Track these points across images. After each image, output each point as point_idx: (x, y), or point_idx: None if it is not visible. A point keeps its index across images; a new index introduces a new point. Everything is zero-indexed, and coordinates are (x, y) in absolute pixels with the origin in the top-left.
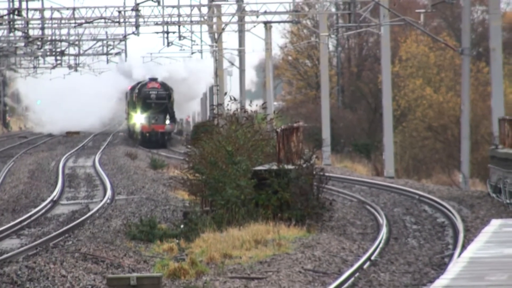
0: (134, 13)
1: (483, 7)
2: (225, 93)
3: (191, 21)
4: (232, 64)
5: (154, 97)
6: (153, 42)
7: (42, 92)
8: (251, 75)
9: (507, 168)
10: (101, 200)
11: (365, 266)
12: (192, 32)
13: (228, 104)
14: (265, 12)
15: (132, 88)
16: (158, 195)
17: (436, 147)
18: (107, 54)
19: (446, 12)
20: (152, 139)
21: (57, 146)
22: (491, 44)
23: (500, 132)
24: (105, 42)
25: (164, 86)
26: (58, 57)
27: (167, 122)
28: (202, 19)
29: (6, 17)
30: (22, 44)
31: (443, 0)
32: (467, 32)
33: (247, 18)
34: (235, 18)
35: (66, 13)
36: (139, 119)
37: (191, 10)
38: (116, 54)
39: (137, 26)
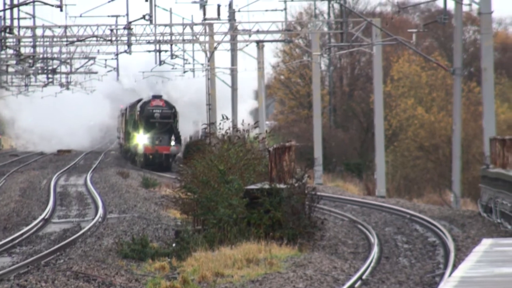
0: (126, 32)
1: (475, 27)
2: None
3: (183, 40)
4: (224, 82)
5: (158, 116)
6: (145, 61)
7: (33, 110)
8: (251, 101)
9: (498, 188)
10: (93, 219)
11: (356, 285)
12: (184, 51)
13: (220, 123)
14: (258, 31)
15: (132, 106)
16: (150, 214)
17: (427, 166)
18: (94, 73)
19: (438, 32)
20: (156, 161)
21: (48, 164)
22: (482, 64)
23: (491, 152)
24: (97, 60)
25: (168, 104)
26: (50, 75)
27: (172, 143)
28: (194, 37)
29: None
30: (14, 62)
31: (435, 20)
32: (458, 52)
33: (239, 37)
34: (228, 37)
35: (58, 31)
36: (141, 139)
37: (183, 29)
38: (108, 71)
39: (129, 44)
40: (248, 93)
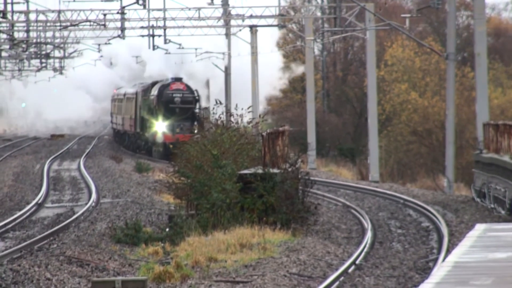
0: (119, 16)
1: (468, 12)
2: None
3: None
4: (217, 67)
5: (178, 100)
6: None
7: (27, 94)
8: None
9: (492, 173)
10: (86, 203)
11: (350, 270)
12: (178, 35)
13: (214, 108)
14: (251, 16)
15: (145, 90)
16: (143, 199)
17: (421, 151)
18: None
19: (432, 17)
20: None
21: (42, 149)
22: (476, 49)
23: (485, 137)
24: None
25: (189, 88)
26: (43, 60)
27: (195, 131)
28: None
29: None
30: (7, 46)
31: (428, 5)
32: (452, 37)
33: (232, 22)
34: (221, 22)
35: (52, 16)
36: (160, 127)
37: (177, 14)
38: (101, 57)
39: (122, 29)
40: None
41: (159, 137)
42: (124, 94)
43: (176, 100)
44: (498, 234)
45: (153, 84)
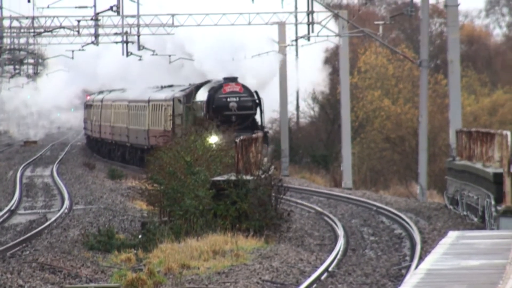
0: (93, 23)
1: (441, 19)
2: None
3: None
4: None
5: (234, 106)
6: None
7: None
8: None
9: (464, 180)
10: (59, 210)
11: (323, 277)
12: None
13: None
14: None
15: (188, 95)
16: (116, 205)
17: (393, 158)
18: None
19: (405, 24)
20: None
21: (15, 155)
22: (449, 56)
23: (458, 144)
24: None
25: (247, 89)
26: (17, 66)
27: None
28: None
29: None
30: None
31: (402, 12)
32: (425, 44)
33: None
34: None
35: (25, 22)
36: (212, 141)
37: (151, 20)
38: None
39: (96, 35)
40: None
41: None
42: (128, 102)
43: (232, 106)
44: (470, 242)
45: (198, 87)
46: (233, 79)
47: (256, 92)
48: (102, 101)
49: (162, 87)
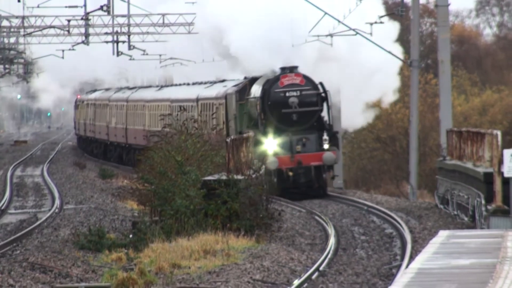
0: (84, 23)
1: (432, 19)
2: None
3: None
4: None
5: (295, 102)
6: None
7: None
8: None
9: (455, 179)
10: (50, 210)
11: (313, 277)
12: (143, 41)
13: (177, 114)
14: None
15: (240, 91)
16: (107, 205)
17: (384, 158)
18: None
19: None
20: (301, 181)
21: (5, 155)
22: (439, 56)
23: (448, 143)
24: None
25: (310, 80)
26: (7, 66)
27: (325, 146)
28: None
29: None
30: None
31: (392, 12)
32: (416, 44)
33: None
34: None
35: (15, 22)
36: (270, 146)
37: (142, 20)
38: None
39: (86, 35)
40: None
41: (272, 162)
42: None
43: (292, 102)
44: (461, 241)
45: (252, 81)
46: (293, 68)
47: (322, 84)
48: (127, 100)
49: (212, 83)
